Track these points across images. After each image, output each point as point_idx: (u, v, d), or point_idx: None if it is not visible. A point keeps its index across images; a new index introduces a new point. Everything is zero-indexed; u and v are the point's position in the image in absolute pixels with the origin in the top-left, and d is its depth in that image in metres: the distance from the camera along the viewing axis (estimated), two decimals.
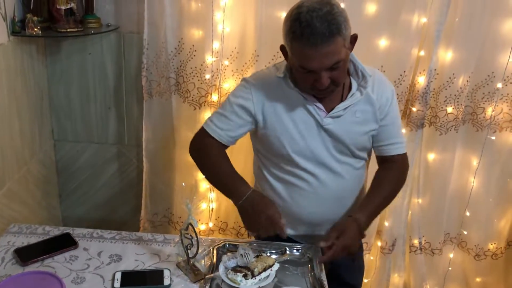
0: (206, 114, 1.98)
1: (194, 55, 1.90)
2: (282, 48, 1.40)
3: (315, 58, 1.29)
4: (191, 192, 1.97)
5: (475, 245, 2.25)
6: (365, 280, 2.29)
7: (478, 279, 2.35)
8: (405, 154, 1.61)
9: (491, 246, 2.26)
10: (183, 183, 1.39)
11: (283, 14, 1.80)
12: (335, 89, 1.41)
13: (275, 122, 1.46)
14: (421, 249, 2.25)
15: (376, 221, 2.19)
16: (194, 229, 1.33)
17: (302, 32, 1.26)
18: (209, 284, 1.34)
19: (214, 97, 1.96)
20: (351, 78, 1.48)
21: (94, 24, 1.92)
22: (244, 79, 1.53)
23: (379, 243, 2.26)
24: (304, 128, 1.46)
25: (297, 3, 1.33)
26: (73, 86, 2.09)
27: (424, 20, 1.83)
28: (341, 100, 1.45)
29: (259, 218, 1.42)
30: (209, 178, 1.60)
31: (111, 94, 2.11)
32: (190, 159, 2.06)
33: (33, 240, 1.49)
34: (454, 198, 2.19)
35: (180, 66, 1.94)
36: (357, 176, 1.56)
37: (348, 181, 1.54)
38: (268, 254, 1.48)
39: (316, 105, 1.44)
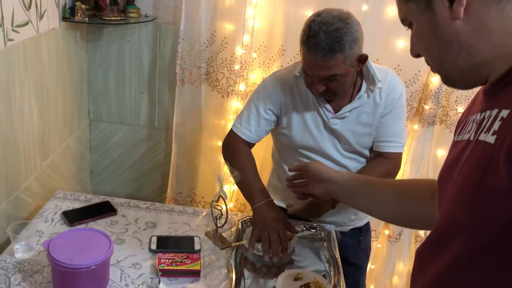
0: (233, 102, 2.14)
1: (225, 47, 2.05)
2: None
3: (312, 65, 1.42)
4: (216, 173, 2.13)
5: None
6: (372, 266, 2.44)
7: None
8: (400, 154, 1.66)
9: None
10: (218, 177, 1.52)
11: (309, 13, 1.95)
12: (334, 95, 1.52)
13: (288, 119, 1.61)
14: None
15: (364, 216, 2.33)
16: (224, 201, 1.50)
17: (308, 39, 1.39)
18: (235, 251, 1.50)
19: (241, 87, 2.12)
20: (363, 79, 1.58)
21: (134, 14, 2.08)
22: (264, 81, 1.67)
23: (386, 232, 2.40)
24: (314, 126, 1.60)
25: (320, 10, 1.43)
26: (110, 71, 2.26)
27: None
28: (350, 101, 1.57)
29: (264, 226, 1.47)
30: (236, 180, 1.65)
31: (145, 80, 2.28)
32: (215, 143, 2.25)
33: (77, 205, 1.66)
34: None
35: (211, 56, 2.10)
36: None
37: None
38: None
39: (325, 107, 1.57)
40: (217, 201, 1.52)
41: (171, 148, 2.34)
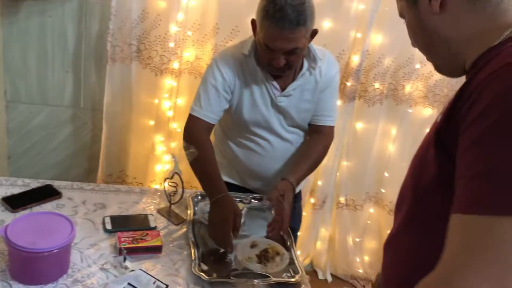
0: (167, 80, 2.13)
1: (159, 24, 2.03)
2: (252, 22, 1.56)
3: (278, 39, 1.46)
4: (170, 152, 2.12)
5: (390, 202, 2.67)
6: (298, 233, 2.61)
7: (389, 231, 2.78)
8: (333, 127, 1.80)
9: None
10: (172, 155, 1.51)
11: None
12: (287, 71, 1.60)
13: (238, 95, 1.66)
14: (346, 205, 2.62)
15: (310, 181, 2.51)
16: (180, 177, 1.52)
17: (274, 14, 1.43)
18: (191, 227, 1.54)
19: (175, 65, 2.12)
20: (304, 58, 1.67)
21: None
22: (214, 60, 1.67)
23: (312, 200, 2.58)
24: (263, 104, 1.67)
25: None
26: (29, 48, 2.12)
27: (362, 6, 2.14)
28: (293, 79, 1.66)
29: (219, 227, 1.46)
30: (194, 169, 1.63)
31: (70, 58, 2.17)
32: (146, 122, 2.23)
33: (16, 191, 1.57)
34: (375, 161, 2.57)
35: (143, 34, 2.07)
36: (300, 142, 1.81)
37: (294, 146, 1.80)
38: (238, 200, 1.71)
39: (273, 84, 1.65)
40: (171, 178, 1.54)
41: (98, 129, 2.27)
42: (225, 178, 1.77)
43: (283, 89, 1.66)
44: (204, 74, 1.68)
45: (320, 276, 2.77)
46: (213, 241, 1.47)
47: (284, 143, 1.76)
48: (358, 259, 2.75)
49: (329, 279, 2.77)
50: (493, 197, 0.63)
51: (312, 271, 2.79)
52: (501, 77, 0.68)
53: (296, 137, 1.79)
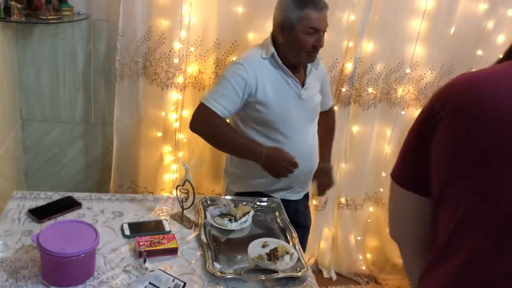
0: (173, 94, 2.26)
1: (163, 42, 2.17)
2: (280, 27, 1.78)
3: (320, 19, 1.76)
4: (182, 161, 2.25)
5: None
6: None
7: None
8: (333, 106, 2.23)
9: None
10: (183, 164, 1.67)
11: (239, 9, 2.16)
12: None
13: (263, 95, 1.81)
14: (347, 205, 2.75)
15: (311, 182, 2.63)
16: (191, 184, 1.65)
17: (307, 2, 1.73)
18: (203, 230, 1.66)
19: (180, 79, 2.25)
20: None
21: (67, 12, 2.10)
22: (236, 61, 1.84)
23: (314, 202, 2.70)
24: (286, 99, 1.85)
25: None
26: (43, 69, 2.25)
27: (353, 17, 2.28)
28: (305, 75, 1.90)
29: (280, 165, 1.82)
30: (221, 146, 1.93)
31: (80, 77, 2.30)
32: (154, 134, 2.35)
33: (40, 203, 1.69)
34: (373, 162, 2.70)
35: (148, 51, 2.20)
36: (314, 135, 1.99)
37: (312, 138, 1.98)
38: (244, 203, 1.83)
39: (294, 79, 1.84)
40: (183, 185, 1.67)
41: (108, 143, 2.40)
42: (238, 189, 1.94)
43: (301, 84, 1.87)
44: (228, 72, 1.82)
45: (325, 275, 2.88)
46: (277, 175, 1.84)
47: (304, 137, 1.93)
48: (360, 257, 2.87)
49: (334, 277, 2.88)
50: None
51: (317, 270, 2.90)
52: None
53: (311, 129, 1.97)
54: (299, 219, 1.99)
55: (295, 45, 1.79)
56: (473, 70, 2.48)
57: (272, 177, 1.89)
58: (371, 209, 2.82)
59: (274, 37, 1.83)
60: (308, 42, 1.78)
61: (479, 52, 2.48)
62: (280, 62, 1.82)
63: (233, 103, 1.80)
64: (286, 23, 1.78)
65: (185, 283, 1.39)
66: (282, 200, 1.92)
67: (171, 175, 2.45)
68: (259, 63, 1.83)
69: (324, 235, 2.84)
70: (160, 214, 1.75)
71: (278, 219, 1.81)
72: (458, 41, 2.44)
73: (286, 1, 1.77)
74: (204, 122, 1.83)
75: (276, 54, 1.82)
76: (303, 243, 2.16)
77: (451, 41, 2.43)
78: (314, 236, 2.80)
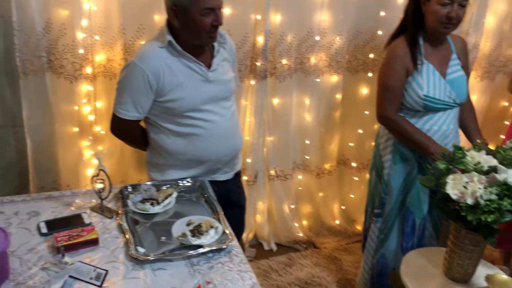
0: (83, 85, 2.19)
1: (65, 33, 2.08)
2: (174, 10, 1.71)
3: None
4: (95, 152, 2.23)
5: (315, 167, 2.88)
6: None
7: (320, 194, 3.00)
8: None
9: (327, 166, 2.92)
10: (95, 154, 1.66)
11: None
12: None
13: (168, 87, 1.77)
14: (277, 176, 2.80)
15: (240, 160, 2.66)
16: (106, 173, 1.61)
17: None
18: (124, 217, 1.64)
19: (88, 70, 2.18)
20: None
21: None
22: (133, 63, 1.77)
23: (245, 178, 2.73)
24: (192, 85, 1.80)
25: None
26: None
27: None
28: (212, 56, 1.84)
29: None
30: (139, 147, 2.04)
31: None
32: (70, 130, 2.28)
33: None
34: (296, 132, 2.76)
35: (50, 44, 2.11)
36: (232, 114, 1.97)
37: (229, 119, 1.94)
38: (168, 186, 1.82)
39: (197, 63, 1.79)
40: (98, 175, 1.63)
41: (22, 145, 2.29)
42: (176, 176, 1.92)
43: (208, 66, 1.83)
44: (127, 77, 1.78)
45: (266, 247, 2.93)
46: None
47: (221, 119, 1.89)
48: (296, 224, 2.95)
49: (274, 248, 2.93)
50: None
51: (257, 244, 2.95)
52: None
53: (227, 111, 1.93)
54: (232, 198, 2.01)
55: (193, 27, 1.73)
56: (379, 31, 2.60)
57: (191, 164, 1.89)
58: (300, 177, 2.90)
59: (169, 22, 1.77)
60: (206, 22, 1.72)
61: (382, 13, 2.57)
62: (179, 48, 1.76)
63: (144, 105, 1.81)
64: (178, 6, 1.70)
65: (107, 271, 1.37)
66: (212, 181, 1.93)
67: (93, 169, 2.38)
68: (156, 56, 1.76)
69: (259, 209, 2.88)
70: (79, 208, 1.70)
71: (203, 198, 1.82)
72: (362, 4, 2.53)
73: None
74: (120, 132, 1.94)
75: (173, 41, 1.76)
76: (241, 221, 2.19)
77: (354, 4, 2.51)
78: (249, 211, 2.82)
